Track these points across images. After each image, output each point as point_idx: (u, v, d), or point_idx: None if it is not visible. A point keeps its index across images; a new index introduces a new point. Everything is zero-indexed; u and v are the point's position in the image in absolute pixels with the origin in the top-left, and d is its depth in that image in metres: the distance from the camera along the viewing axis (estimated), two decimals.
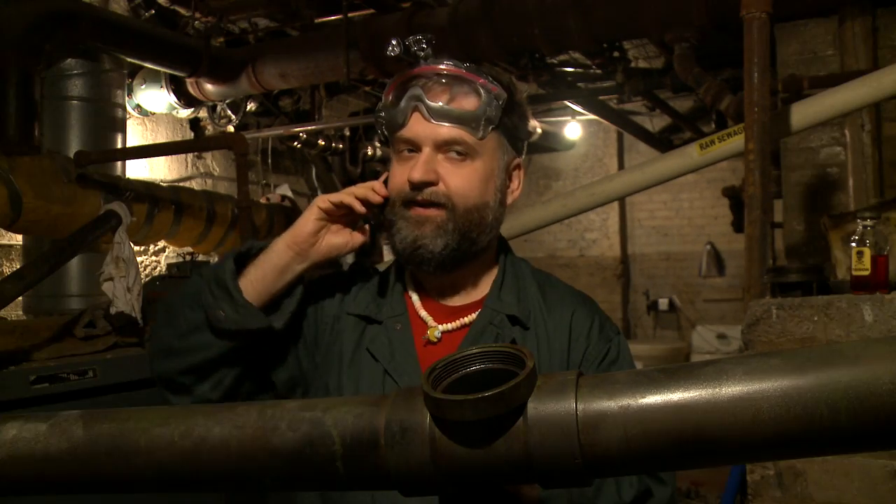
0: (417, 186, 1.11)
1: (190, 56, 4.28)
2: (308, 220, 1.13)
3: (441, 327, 1.16)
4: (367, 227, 1.17)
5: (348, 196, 1.13)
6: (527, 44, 3.91)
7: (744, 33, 2.14)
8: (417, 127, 1.11)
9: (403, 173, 1.12)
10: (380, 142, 6.55)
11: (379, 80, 4.70)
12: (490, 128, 1.12)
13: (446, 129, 1.11)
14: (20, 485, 0.71)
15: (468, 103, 1.11)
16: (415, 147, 1.12)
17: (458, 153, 1.12)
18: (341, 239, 1.14)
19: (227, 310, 1.09)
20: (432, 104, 1.10)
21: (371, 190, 1.13)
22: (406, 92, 1.12)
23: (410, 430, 0.64)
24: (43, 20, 3.22)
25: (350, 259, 1.36)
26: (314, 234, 1.13)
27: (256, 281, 1.11)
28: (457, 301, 1.18)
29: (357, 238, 1.16)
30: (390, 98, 1.16)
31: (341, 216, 1.14)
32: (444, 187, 1.11)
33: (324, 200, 1.12)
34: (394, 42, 1.12)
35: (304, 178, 6.78)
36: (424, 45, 1.12)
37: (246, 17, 4.98)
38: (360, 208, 1.13)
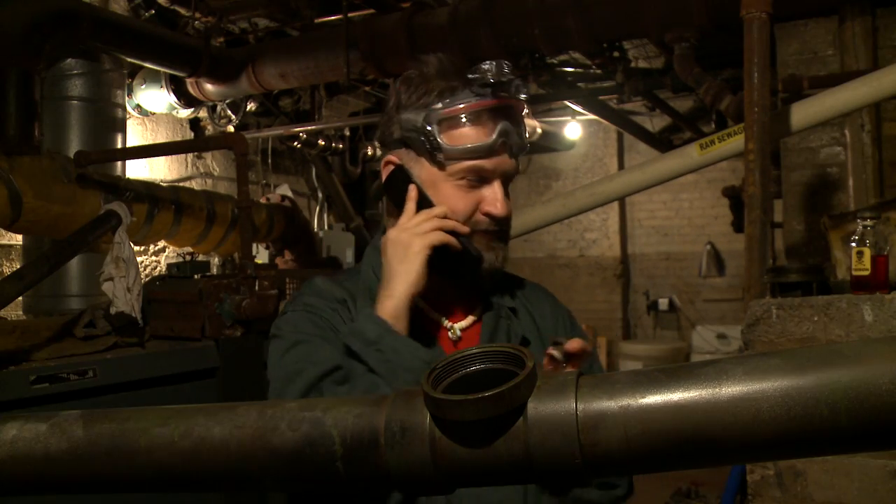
0: (502, 221, 1.12)
1: (190, 56, 4.28)
2: (422, 269, 1.07)
3: (457, 326, 1.17)
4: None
5: (446, 236, 1.08)
6: (527, 44, 3.91)
7: (744, 33, 2.14)
8: (498, 161, 1.10)
9: (470, 201, 1.11)
10: (379, 142, 6.53)
11: (379, 79, 4.71)
12: None
13: (512, 164, 1.13)
14: (20, 485, 0.71)
15: (524, 135, 1.14)
16: (486, 178, 1.11)
17: (508, 183, 1.14)
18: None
19: None
20: (517, 141, 1.11)
21: (450, 220, 1.09)
22: (495, 123, 1.09)
23: (410, 430, 0.64)
24: (43, 20, 3.22)
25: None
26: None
27: None
28: (452, 299, 1.19)
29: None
30: (458, 119, 1.08)
31: None
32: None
33: (426, 246, 1.07)
34: (486, 73, 1.07)
35: (304, 178, 6.78)
36: (505, 70, 1.09)
37: (246, 17, 4.99)
38: (458, 247, 1.10)
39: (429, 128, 1.08)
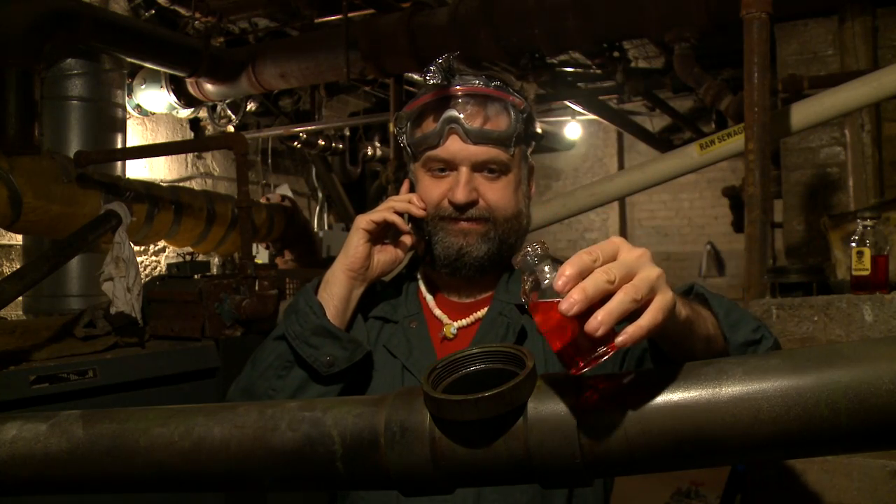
0: (461, 207, 1.14)
1: (190, 56, 4.28)
2: (358, 244, 1.15)
3: (456, 324, 1.19)
4: (408, 238, 1.19)
5: (390, 213, 1.15)
6: (527, 44, 3.91)
7: (744, 33, 2.14)
8: (454, 148, 1.14)
9: (438, 190, 1.16)
10: (380, 142, 6.55)
11: (379, 79, 4.71)
12: (518, 143, 1.17)
13: (483, 150, 1.14)
14: (20, 485, 0.71)
15: (501, 123, 1.15)
16: (449, 166, 1.15)
17: (492, 170, 1.15)
18: (389, 255, 1.19)
19: (335, 352, 1.10)
20: (471, 127, 1.13)
21: (410, 203, 1.16)
22: (441, 112, 1.14)
23: (410, 430, 0.64)
24: (43, 20, 3.22)
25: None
26: (367, 256, 1.16)
27: (333, 316, 1.13)
28: (469, 297, 1.21)
29: (401, 252, 1.20)
30: (419, 115, 1.17)
31: (383, 232, 1.18)
32: (485, 203, 1.15)
33: (367, 222, 1.15)
34: (432, 69, 1.14)
35: (304, 178, 6.78)
36: (452, 64, 1.14)
37: (246, 17, 4.99)
38: (404, 226, 1.17)
39: (402, 128, 1.19)
